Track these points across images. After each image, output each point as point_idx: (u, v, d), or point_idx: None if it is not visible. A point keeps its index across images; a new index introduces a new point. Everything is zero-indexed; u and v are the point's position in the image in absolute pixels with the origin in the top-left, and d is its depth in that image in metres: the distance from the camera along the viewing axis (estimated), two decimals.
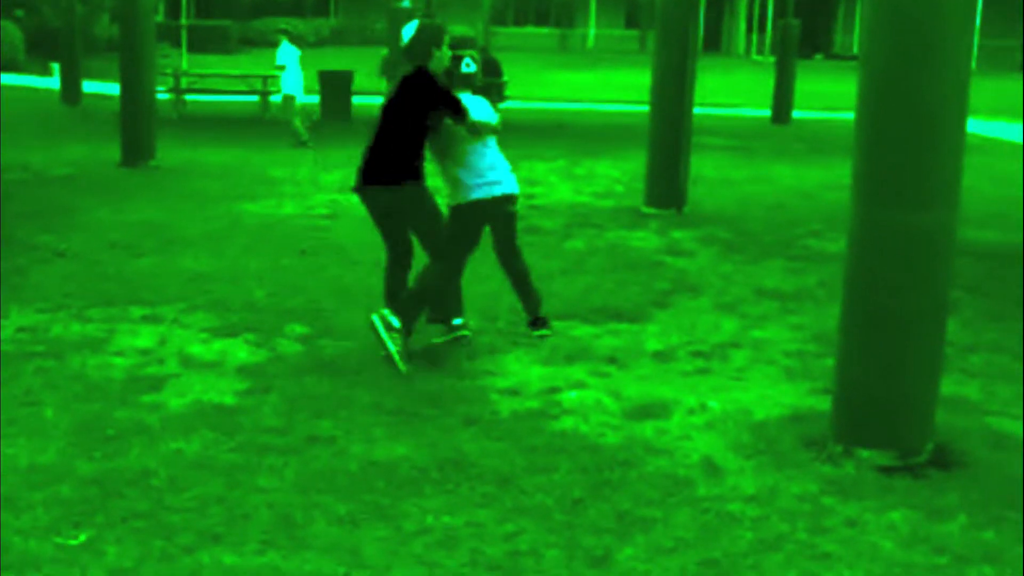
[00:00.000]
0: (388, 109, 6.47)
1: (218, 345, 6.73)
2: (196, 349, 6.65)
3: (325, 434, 5.28)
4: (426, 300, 6.54)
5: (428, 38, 6.40)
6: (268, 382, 6.04)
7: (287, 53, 18.36)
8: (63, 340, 6.76)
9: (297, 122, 18.11)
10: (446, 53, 6.49)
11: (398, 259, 6.67)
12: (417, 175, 6.41)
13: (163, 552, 4.10)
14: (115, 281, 8.24)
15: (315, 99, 23.25)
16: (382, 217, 6.57)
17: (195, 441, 5.17)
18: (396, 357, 6.20)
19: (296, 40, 19.14)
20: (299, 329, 7.06)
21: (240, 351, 6.62)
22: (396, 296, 6.55)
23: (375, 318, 6.27)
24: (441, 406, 5.69)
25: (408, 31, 6.46)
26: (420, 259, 6.69)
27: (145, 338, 6.86)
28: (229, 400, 5.77)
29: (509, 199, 6.74)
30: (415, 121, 6.37)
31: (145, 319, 7.26)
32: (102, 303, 7.61)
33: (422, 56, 6.41)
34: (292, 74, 18.27)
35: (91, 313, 7.35)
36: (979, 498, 4.64)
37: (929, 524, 4.43)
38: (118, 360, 6.43)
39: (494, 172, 6.65)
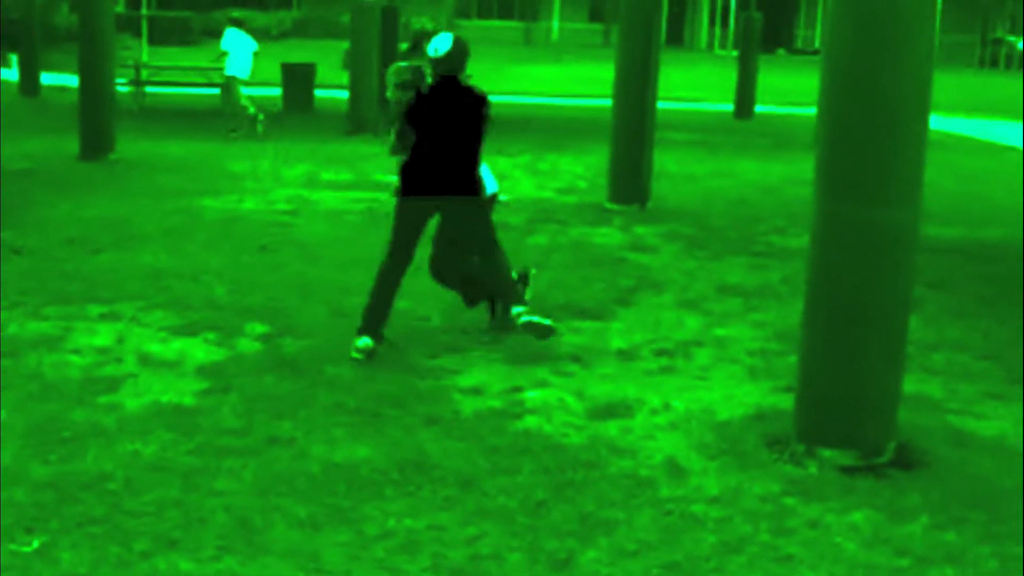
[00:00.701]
0: (442, 118, 6.50)
1: (177, 344, 6.65)
2: (154, 348, 6.56)
3: (285, 435, 5.22)
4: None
5: (464, 50, 6.52)
6: (228, 382, 5.96)
7: (232, 39, 18.52)
8: (19, 338, 6.65)
9: (245, 101, 18.31)
10: None
11: (404, 267, 6.64)
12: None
13: (119, 558, 4.03)
14: (73, 278, 8.12)
15: (277, 91, 23.11)
16: (422, 224, 6.65)
17: (152, 443, 5.09)
18: (552, 323, 6.59)
19: (244, 27, 19.21)
20: (259, 327, 6.98)
21: (199, 350, 6.54)
22: (384, 306, 6.55)
23: (526, 319, 6.52)
24: (402, 406, 5.64)
25: (444, 43, 6.50)
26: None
27: (103, 336, 6.76)
28: (188, 400, 5.69)
29: None
30: (480, 131, 6.55)
31: (103, 317, 7.17)
32: (59, 301, 7.50)
33: (460, 67, 6.53)
34: (237, 58, 18.40)
35: (48, 311, 7.24)
36: (941, 498, 4.65)
37: (891, 525, 4.43)
38: (75, 359, 6.33)
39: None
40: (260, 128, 18.00)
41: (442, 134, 6.50)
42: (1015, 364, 6.66)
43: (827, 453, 4.97)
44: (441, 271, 6.92)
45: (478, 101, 6.57)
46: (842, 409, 5.04)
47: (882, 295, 4.99)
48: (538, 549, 4.18)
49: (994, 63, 51.96)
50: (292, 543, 4.18)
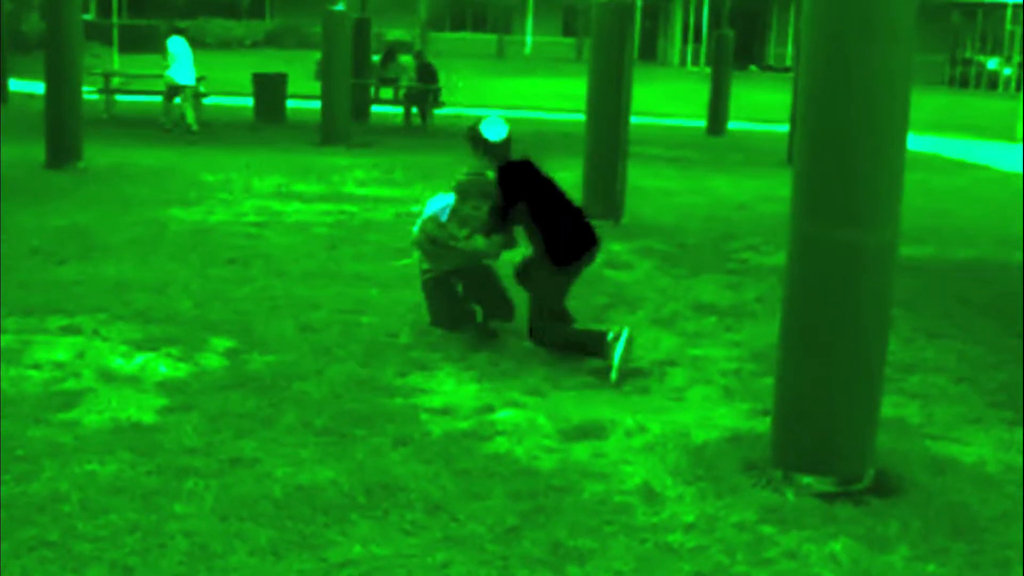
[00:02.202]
0: (538, 188, 6.78)
1: (139, 359, 6.47)
2: (116, 363, 6.39)
3: (248, 456, 5.05)
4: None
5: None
6: (190, 399, 5.80)
7: (176, 46, 19.47)
8: None
9: (189, 112, 19.38)
10: None
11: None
12: None
13: None
14: (35, 289, 7.92)
15: (249, 101, 22.95)
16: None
17: (110, 463, 4.92)
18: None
19: (185, 35, 20.33)
20: (224, 342, 6.82)
21: (161, 365, 6.37)
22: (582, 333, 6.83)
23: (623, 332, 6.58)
24: (371, 426, 5.49)
25: (501, 128, 6.74)
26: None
27: (63, 350, 6.57)
28: (148, 418, 5.52)
29: None
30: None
31: (64, 330, 6.97)
32: (20, 312, 7.30)
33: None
34: (182, 66, 19.39)
35: (7, 323, 7.03)
36: (921, 527, 4.53)
37: (871, 555, 4.31)
38: (33, 374, 6.15)
39: None
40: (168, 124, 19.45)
41: (550, 200, 6.76)
42: (991, 387, 6.59)
43: (805, 479, 4.86)
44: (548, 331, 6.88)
45: (536, 164, 6.90)
46: (820, 434, 4.92)
47: (860, 318, 4.88)
48: None
49: (964, 83, 52.30)
50: (253, 570, 4.02)
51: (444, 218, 6.86)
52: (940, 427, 5.87)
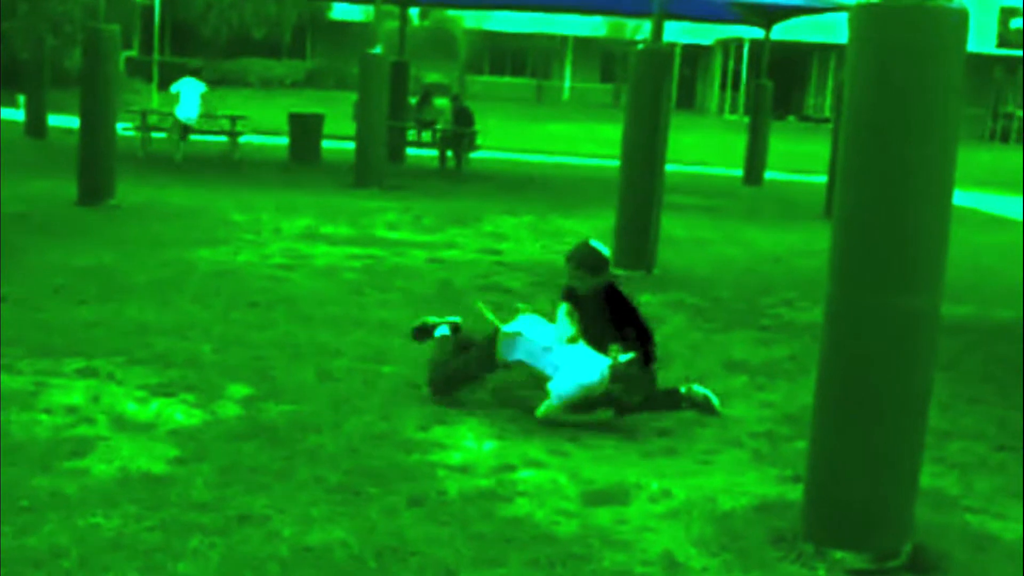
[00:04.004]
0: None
1: (154, 405, 6.32)
2: (130, 408, 6.24)
3: (258, 512, 4.87)
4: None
5: None
6: (203, 449, 5.63)
7: (183, 84, 21.71)
8: None
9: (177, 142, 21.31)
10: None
11: None
12: None
13: None
14: (54, 330, 7.81)
15: (284, 140, 22.99)
16: None
17: (115, 516, 4.75)
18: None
19: (199, 75, 22.75)
20: (242, 390, 6.66)
21: (177, 412, 6.22)
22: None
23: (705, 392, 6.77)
24: (386, 483, 5.30)
25: (605, 248, 6.92)
26: None
27: (77, 394, 6.43)
28: (158, 468, 5.35)
29: None
30: None
31: (80, 373, 6.85)
32: (37, 354, 7.18)
33: None
34: (186, 102, 21.48)
35: (22, 365, 6.91)
36: None
37: None
38: (44, 418, 6.01)
39: None
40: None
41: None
42: None
43: (837, 554, 4.62)
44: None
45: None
46: (855, 505, 4.69)
47: (901, 383, 4.67)
48: None
49: (1004, 137, 51.87)
50: None
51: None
52: (980, 499, 5.61)
